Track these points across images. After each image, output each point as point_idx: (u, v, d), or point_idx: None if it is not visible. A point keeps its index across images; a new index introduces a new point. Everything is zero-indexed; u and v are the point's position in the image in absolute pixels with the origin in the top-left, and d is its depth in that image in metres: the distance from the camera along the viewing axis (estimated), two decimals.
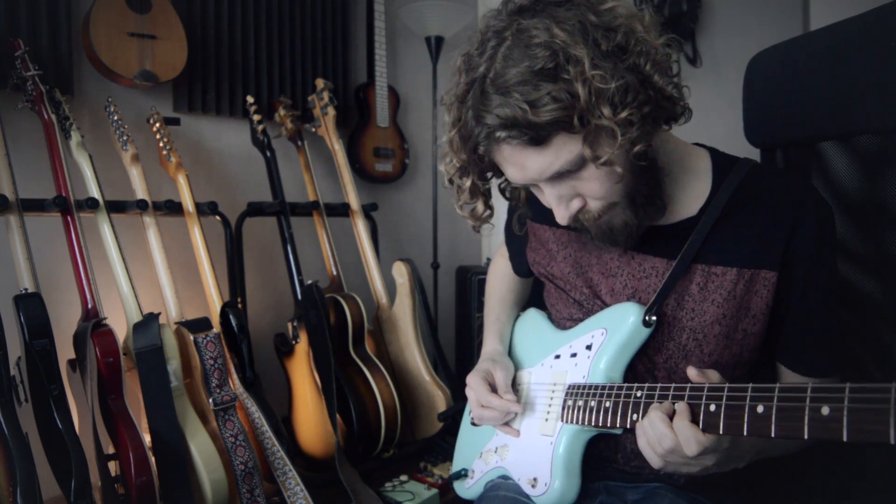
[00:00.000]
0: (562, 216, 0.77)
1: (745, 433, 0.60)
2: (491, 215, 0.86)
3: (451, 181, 0.82)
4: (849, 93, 0.95)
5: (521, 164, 0.72)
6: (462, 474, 1.04)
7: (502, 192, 0.90)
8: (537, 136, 0.67)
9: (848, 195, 0.99)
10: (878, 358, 0.96)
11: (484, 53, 0.70)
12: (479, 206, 0.84)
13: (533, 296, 1.17)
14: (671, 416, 0.68)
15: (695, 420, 0.66)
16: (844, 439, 0.51)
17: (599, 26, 0.67)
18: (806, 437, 0.54)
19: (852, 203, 0.99)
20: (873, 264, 0.96)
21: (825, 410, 0.53)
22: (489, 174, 0.82)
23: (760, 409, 0.59)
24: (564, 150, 0.69)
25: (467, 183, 0.80)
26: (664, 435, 0.67)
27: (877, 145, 0.94)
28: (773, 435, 0.57)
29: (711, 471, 0.71)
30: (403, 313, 1.99)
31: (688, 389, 0.68)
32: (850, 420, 0.51)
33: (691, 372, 0.72)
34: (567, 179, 0.73)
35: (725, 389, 0.63)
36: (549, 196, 0.76)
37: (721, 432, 0.62)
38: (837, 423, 0.52)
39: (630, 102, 0.67)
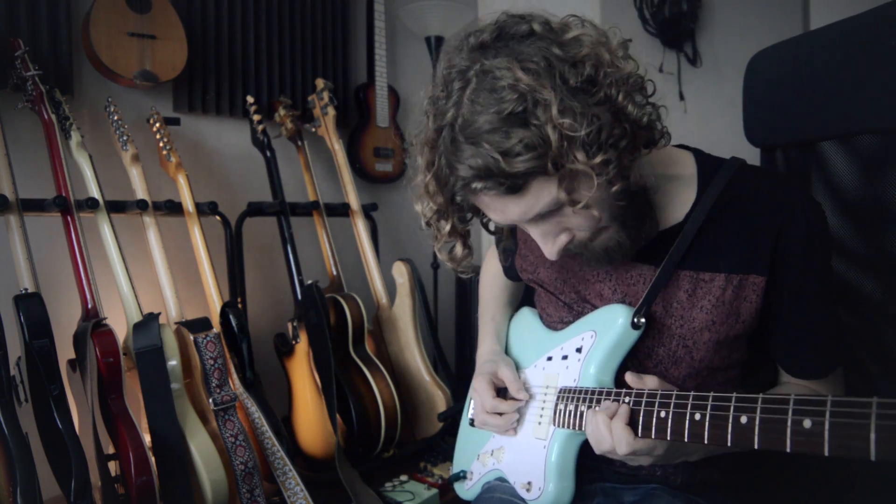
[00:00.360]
0: (550, 252, 0.75)
1: (729, 444, 0.59)
2: (471, 255, 0.84)
3: (428, 224, 0.80)
4: (849, 93, 0.95)
5: (501, 210, 0.70)
6: (461, 476, 1.04)
7: (485, 226, 0.88)
8: (513, 185, 0.66)
9: (848, 195, 0.99)
10: (878, 358, 0.96)
11: (450, 97, 0.67)
12: (458, 248, 0.82)
13: (527, 294, 1.16)
14: (613, 416, 0.73)
15: (633, 423, 0.71)
16: (826, 454, 0.50)
17: (565, 60, 0.64)
18: (788, 450, 0.53)
19: (852, 203, 0.98)
20: (873, 264, 0.96)
21: (807, 423, 0.52)
22: (469, 216, 0.81)
23: (744, 419, 0.58)
24: (543, 193, 0.67)
25: (446, 227, 0.79)
26: (604, 438, 0.73)
27: (877, 145, 0.94)
28: (756, 446, 0.57)
29: (657, 463, 0.75)
30: (403, 313, 1.99)
31: (673, 397, 0.67)
32: (831, 434, 0.50)
33: (629, 377, 0.75)
34: (550, 218, 0.72)
35: (710, 399, 0.63)
36: (534, 235, 0.75)
37: (706, 442, 0.62)
38: (819, 437, 0.51)
39: (604, 142, 0.64)
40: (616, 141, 0.65)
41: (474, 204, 0.74)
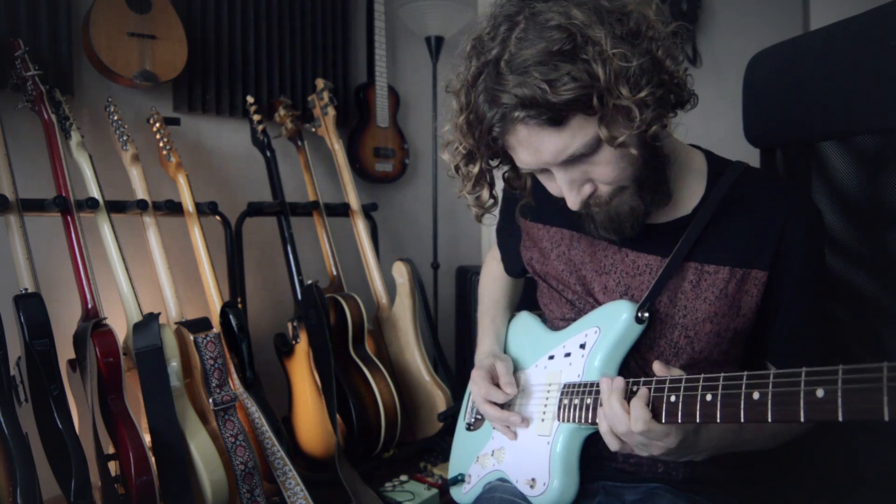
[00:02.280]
0: (573, 202, 0.76)
1: (742, 420, 0.60)
2: (495, 204, 0.85)
3: (456, 168, 0.81)
4: (849, 93, 0.95)
5: (536, 146, 0.71)
6: (459, 479, 1.03)
7: (507, 181, 0.88)
8: (555, 117, 0.67)
9: (848, 195, 0.99)
10: (878, 357, 0.96)
11: (496, 37, 0.69)
12: (485, 194, 0.83)
13: (525, 298, 1.17)
14: (628, 397, 0.73)
15: (656, 410, 0.70)
16: (840, 419, 0.52)
17: (613, 11, 0.67)
18: (802, 419, 0.55)
19: (852, 203, 0.99)
20: (873, 264, 0.96)
21: (820, 392, 0.54)
22: (496, 160, 0.81)
23: (756, 395, 0.59)
24: (580, 132, 0.69)
25: (475, 170, 0.79)
26: (619, 418, 0.72)
27: (877, 145, 0.94)
28: (770, 420, 0.58)
29: (663, 458, 0.75)
30: (403, 313, 1.99)
31: (683, 381, 0.68)
32: (844, 400, 0.52)
33: (657, 366, 0.75)
34: (579, 164, 0.73)
35: (721, 379, 0.64)
36: (560, 181, 0.75)
37: (719, 420, 0.63)
38: (832, 404, 0.53)
39: (647, 84, 0.67)
40: (655, 87, 0.68)
41: (507, 142, 0.74)
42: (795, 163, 1.10)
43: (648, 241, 0.84)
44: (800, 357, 0.83)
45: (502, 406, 0.95)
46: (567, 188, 0.75)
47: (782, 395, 0.57)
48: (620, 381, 0.74)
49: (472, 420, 1.05)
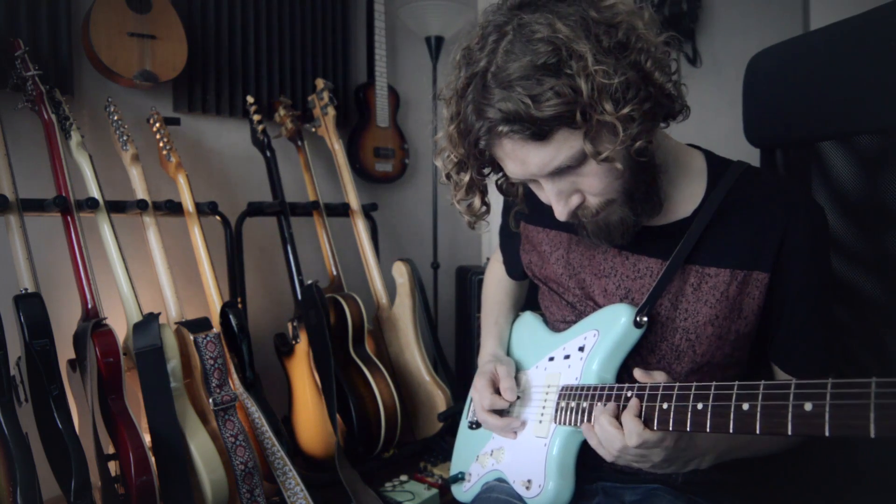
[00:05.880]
0: (560, 212, 0.76)
1: (731, 431, 0.60)
2: (487, 212, 0.85)
3: (448, 176, 0.81)
4: (849, 93, 0.95)
5: (522, 159, 0.71)
6: (459, 477, 1.04)
7: (500, 188, 0.89)
8: (539, 131, 0.67)
9: (848, 195, 0.99)
10: (878, 358, 0.96)
11: (484, 48, 0.69)
12: (476, 202, 0.83)
13: (529, 299, 1.17)
14: (618, 414, 0.73)
15: (647, 417, 0.70)
16: (826, 434, 0.52)
17: (601, 22, 0.67)
18: (790, 432, 0.55)
19: (852, 203, 0.98)
20: (873, 264, 0.96)
21: (808, 406, 0.54)
22: (487, 169, 0.81)
23: (746, 406, 0.59)
24: (566, 145, 0.69)
25: (465, 178, 0.80)
26: (613, 436, 0.72)
27: (877, 145, 0.94)
28: (758, 431, 0.58)
29: (666, 468, 0.75)
30: (403, 313, 1.99)
31: (676, 389, 0.68)
32: (831, 415, 0.52)
33: (637, 373, 0.75)
34: (567, 175, 0.73)
35: (713, 388, 0.64)
36: (548, 192, 0.76)
37: (708, 430, 0.63)
38: (820, 419, 0.52)
39: (631, 99, 0.66)
40: (642, 101, 0.67)
41: (495, 154, 0.74)
42: (795, 163, 1.10)
43: (648, 244, 0.84)
44: (803, 359, 0.83)
45: (501, 409, 0.95)
46: (555, 199, 0.76)
47: (771, 408, 0.57)
48: (611, 405, 0.75)
49: (475, 419, 1.05)
